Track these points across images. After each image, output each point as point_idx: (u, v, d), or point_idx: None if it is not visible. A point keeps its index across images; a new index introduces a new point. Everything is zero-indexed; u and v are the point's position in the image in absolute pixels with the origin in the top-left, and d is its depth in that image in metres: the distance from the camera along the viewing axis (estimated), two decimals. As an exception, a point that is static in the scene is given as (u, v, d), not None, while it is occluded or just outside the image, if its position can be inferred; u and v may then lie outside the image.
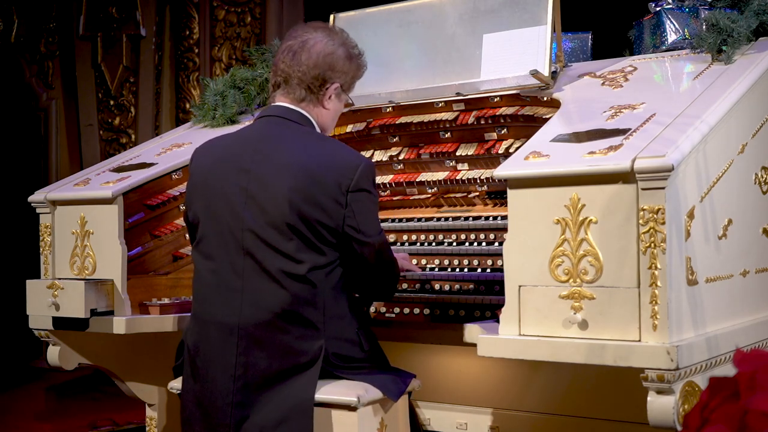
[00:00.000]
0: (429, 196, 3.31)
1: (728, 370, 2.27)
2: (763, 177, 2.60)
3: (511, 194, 2.28)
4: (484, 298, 2.79)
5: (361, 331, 2.53)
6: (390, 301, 2.85)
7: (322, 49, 2.56)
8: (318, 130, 2.60)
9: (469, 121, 3.16)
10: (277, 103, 2.59)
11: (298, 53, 2.55)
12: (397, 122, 3.32)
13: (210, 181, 2.53)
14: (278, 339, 2.40)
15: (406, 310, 2.93)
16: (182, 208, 3.17)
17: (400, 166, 3.37)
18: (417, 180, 3.29)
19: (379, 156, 3.39)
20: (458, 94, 3.13)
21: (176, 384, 2.69)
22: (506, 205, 2.31)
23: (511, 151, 3.02)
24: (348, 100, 2.74)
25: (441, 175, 3.24)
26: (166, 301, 3.10)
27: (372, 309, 3.02)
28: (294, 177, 2.41)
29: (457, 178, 3.19)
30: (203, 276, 2.52)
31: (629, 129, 2.31)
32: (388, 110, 3.34)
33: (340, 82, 2.60)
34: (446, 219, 3.13)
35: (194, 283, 2.57)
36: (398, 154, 3.35)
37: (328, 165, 2.43)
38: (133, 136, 6.68)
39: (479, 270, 2.90)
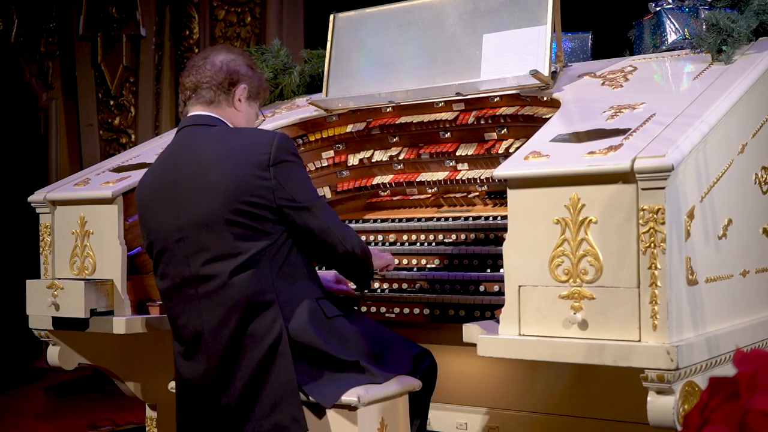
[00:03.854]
0: (429, 196, 3.31)
1: (728, 370, 2.27)
2: (763, 177, 2.60)
3: (511, 194, 2.28)
4: (484, 298, 2.79)
5: (323, 301, 2.53)
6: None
7: (224, 58, 2.65)
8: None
9: (469, 121, 3.16)
10: (189, 114, 2.63)
11: (202, 67, 2.63)
12: (397, 122, 3.32)
13: (148, 207, 2.58)
14: (242, 331, 2.41)
15: (406, 310, 2.93)
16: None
17: (400, 166, 3.37)
18: (417, 180, 3.29)
19: (379, 156, 3.39)
20: (458, 94, 3.13)
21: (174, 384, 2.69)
22: (506, 205, 2.31)
23: (511, 151, 3.02)
24: (259, 114, 2.79)
25: (441, 175, 3.24)
26: (166, 301, 3.10)
27: (372, 310, 3.02)
28: (216, 170, 2.43)
29: (457, 178, 3.19)
30: (166, 295, 2.56)
31: (629, 129, 2.31)
32: (388, 110, 3.34)
33: (247, 85, 2.66)
34: (446, 219, 3.13)
35: (163, 303, 2.61)
36: (398, 154, 3.35)
37: (244, 148, 2.46)
38: (133, 136, 6.68)
39: (479, 270, 2.90)
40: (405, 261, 3.08)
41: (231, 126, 2.62)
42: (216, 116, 2.60)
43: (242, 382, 2.42)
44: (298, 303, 2.46)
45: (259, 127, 2.68)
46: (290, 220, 2.46)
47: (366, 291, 2.99)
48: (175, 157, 2.55)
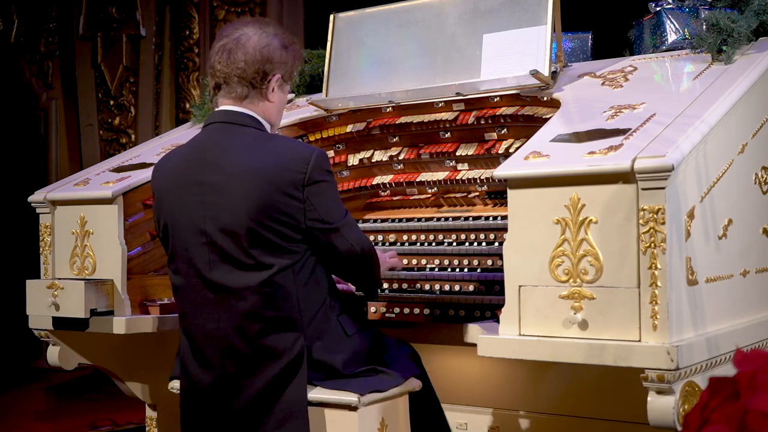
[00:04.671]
0: (429, 196, 3.31)
1: (728, 370, 2.27)
2: (763, 177, 2.60)
3: (511, 194, 2.28)
4: (484, 298, 2.79)
5: (343, 317, 2.52)
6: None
7: (257, 43, 2.50)
8: (265, 125, 2.55)
9: (469, 121, 3.16)
10: (220, 108, 2.54)
11: (234, 51, 2.49)
12: (397, 122, 3.32)
13: (170, 198, 2.51)
14: (262, 344, 2.40)
15: (406, 310, 2.93)
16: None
17: (400, 166, 3.37)
18: (417, 180, 3.29)
19: (379, 156, 3.39)
20: (458, 94, 3.13)
21: (176, 384, 2.69)
22: (506, 205, 2.31)
23: (511, 151, 3.02)
24: (290, 93, 2.68)
25: (441, 175, 3.24)
26: (166, 301, 3.10)
27: (372, 309, 3.02)
28: (248, 183, 2.37)
29: (457, 178, 3.19)
30: (180, 291, 2.52)
31: (629, 129, 2.31)
32: (388, 110, 3.34)
33: (281, 73, 2.55)
34: (446, 219, 3.13)
35: (174, 298, 2.58)
36: (398, 154, 3.35)
37: (279, 164, 2.39)
38: (133, 136, 6.69)
39: (479, 270, 2.90)
40: (405, 261, 3.08)
41: (264, 122, 2.54)
42: (249, 113, 2.51)
43: (255, 392, 2.40)
44: (321, 321, 2.46)
45: (294, 141, 2.58)
46: (317, 240, 2.45)
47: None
48: (204, 155, 2.47)
